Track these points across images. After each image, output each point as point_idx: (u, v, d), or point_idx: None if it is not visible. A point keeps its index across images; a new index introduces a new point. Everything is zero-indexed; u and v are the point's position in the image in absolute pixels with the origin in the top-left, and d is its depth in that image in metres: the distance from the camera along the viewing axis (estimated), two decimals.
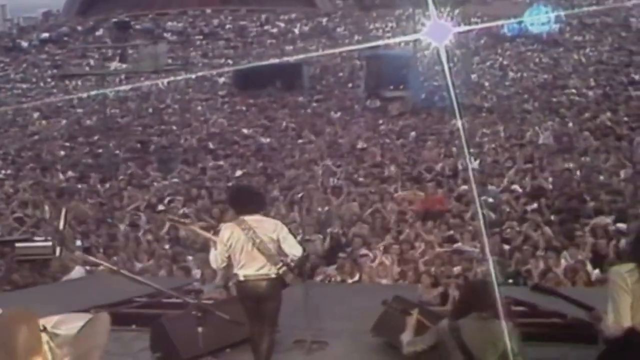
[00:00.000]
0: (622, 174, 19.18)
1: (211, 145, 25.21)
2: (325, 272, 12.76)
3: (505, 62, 38.86)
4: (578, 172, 19.59)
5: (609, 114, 27.96)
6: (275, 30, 43.71)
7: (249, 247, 7.62)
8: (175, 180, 20.49)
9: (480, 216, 15.52)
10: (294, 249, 7.75)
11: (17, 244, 12.18)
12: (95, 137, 27.50)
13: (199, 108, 32.37)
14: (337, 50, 35.49)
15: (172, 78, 29.11)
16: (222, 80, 35.27)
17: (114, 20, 26.15)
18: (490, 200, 16.92)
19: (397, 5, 44.61)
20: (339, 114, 29.57)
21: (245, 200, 7.96)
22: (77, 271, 12.67)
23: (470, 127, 26.40)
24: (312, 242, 13.93)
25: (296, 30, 43.35)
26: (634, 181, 18.37)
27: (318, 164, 21.69)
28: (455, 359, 4.94)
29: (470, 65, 36.40)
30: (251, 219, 7.72)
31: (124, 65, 22.43)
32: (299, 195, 17.64)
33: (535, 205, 16.27)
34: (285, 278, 7.67)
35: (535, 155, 21.71)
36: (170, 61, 30.10)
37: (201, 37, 40.47)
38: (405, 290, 9.76)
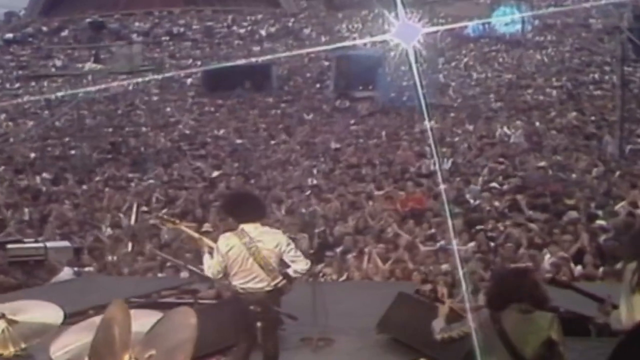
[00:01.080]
0: (594, 172, 19.60)
1: (184, 146, 25.21)
2: (314, 271, 12.90)
3: (470, 63, 39.26)
4: (550, 171, 20.00)
5: (574, 113, 28.48)
6: (242, 31, 43.71)
7: (249, 261, 7.26)
8: (152, 181, 20.48)
9: (448, 215, 15.82)
10: (298, 264, 7.43)
11: (9, 246, 12.26)
12: (66, 139, 27.33)
13: (168, 109, 32.29)
14: (306, 51, 35.63)
15: (139, 79, 28.87)
16: (190, 81, 35.23)
17: (88, 20, 26.00)
18: (472, 200, 17.19)
19: (363, 5, 44.89)
20: (309, 114, 29.70)
21: (245, 208, 7.55)
22: (66, 273, 12.66)
23: (441, 126, 26.75)
24: (297, 241, 14.05)
25: (263, 31, 43.42)
26: (607, 178, 18.80)
27: (294, 164, 21.85)
28: (496, 348, 5.07)
29: (436, 65, 36.73)
30: (252, 230, 7.35)
31: (99, 66, 22.31)
32: (280, 195, 17.72)
33: (513, 203, 16.52)
34: (284, 289, 7.36)
35: (507, 154, 22.10)
36: (146, 62, 30.03)
37: (168, 38, 40.39)
38: (405, 287, 9.92)
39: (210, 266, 7.42)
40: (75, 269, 12.82)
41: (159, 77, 32.54)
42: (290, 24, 44.53)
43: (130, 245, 13.38)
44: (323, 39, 41.18)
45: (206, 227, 15.03)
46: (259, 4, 46.62)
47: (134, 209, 14.06)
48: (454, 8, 46.49)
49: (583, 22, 45.75)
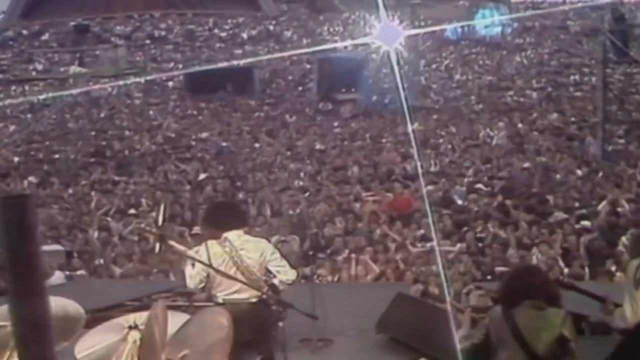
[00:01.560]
0: (579, 172, 19.84)
1: (169, 149, 25.21)
2: (304, 273, 12.98)
3: (450, 65, 39.50)
4: (534, 172, 20.20)
5: (555, 114, 28.75)
6: (223, 34, 43.74)
7: (232, 271, 6.93)
8: (139, 184, 20.48)
9: (430, 216, 15.96)
10: (283, 275, 7.16)
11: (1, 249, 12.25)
12: (47, 143, 27.25)
13: (151, 112, 32.26)
14: (289, 54, 35.66)
15: (121, 82, 28.85)
16: (172, 84, 35.21)
17: (73, 24, 25.90)
18: (460, 201, 17.35)
19: (344, 8, 45.09)
20: (292, 117, 29.78)
21: (227, 216, 7.31)
22: (57, 277, 12.63)
23: (424, 128, 26.92)
24: (287, 242, 14.15)
25: (244, 34, 43.47)
26: (591, 179, 19.03)
27: (279, 166, 21.93)
28: (509, 344, 5.18)
29: (417, 67, 36.95)
30: (235, 238, 7.10)
31: (84, 70, 22.28)
32: (267, 197, 17.78)
33: (500, 204, 16.68)
34: (270, 300, 7.01)
35: (491, 156, 22.29)
36: (130, 66, 30.00)
37: (149, 41, 40.31)
38: (404, 288, 10.02)
39: (191, 276, 7.08)
40: (67, 272, 12.80)
41: (141, 80, 32.46)
42: (271, 27, 44.62)
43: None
44: (304, 41, 41.35)
45: (196, 229, 15.10)
46: (240, 7, 46.66)
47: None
48: (434, 10, 46.81)
49: (561, 25, 46.23)
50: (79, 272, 13.23)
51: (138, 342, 4.18)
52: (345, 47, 34.87)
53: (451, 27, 41.13)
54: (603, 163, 21.11)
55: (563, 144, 23.72)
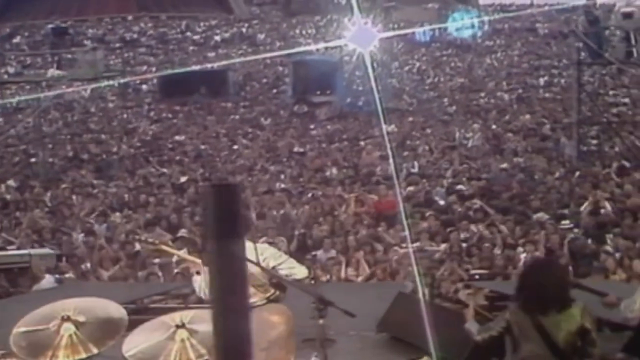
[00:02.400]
0: (557, 173, 20.14)
1: (146, 153, 25.18)
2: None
3: (422, 67, 39.79)
4: (512, 173, 20.47)
5: (528, 116, 29.08)
6: (196, 37, 43.68)
7: None
8: (120, 187, 20.46)
9: (404, 217, 16.13)
10: (294, 270, 7.18)
11: None
12: (22, 147, 27.08)
13: (125, 116, 32.17)
14: (264, 56, 35.71)
15: (95, 85, 28.74)
16: (146, 87, 35.10)
17: (51, 26, 25.74)
18: (441, 202, 17.55)
19: (319, 11, 45.23)
20: (268, 119, 29.86)
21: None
22: (48, 280, 12.62)
23: (400, 130, 27.15)
24: (275, 244, 14.21)
25: (217, 37, 43.43)
26: (568, 180, 19.32)
27: (259, 169, 22.01)
28: (531, 337, 5.33)
29: (390, 70, 37.16)
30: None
31: (62, 73, 22.19)
32: (250, 199, 17.83)
33: (483, 205, 16.90)
34: (280, 298, 6.77)
35: (469, 157, 22.56)
36: (110, 69, 29.90)
37: (121, 44, 40.18)
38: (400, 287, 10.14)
39: (200, 285, 6.99)
40: (57, 276, 12.79)
41: (120, 83, 32.34)
42: (244, 30, 44.64)
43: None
44: (278, 44, 41.42)
45: (182, 232, 15.15)
46: (212, 10, 46.59)
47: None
48: (404, 13, 47.07)
49: (530, 27, 46.69)
50: (67, 275, 13.21)
51: (186, 341, 4.22)
52: (318, 50, 34.96)
53: (425, 29, 41.42)
54: (579, 163, 21.44)
55: (538, 145, 23.99)
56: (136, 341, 4.51)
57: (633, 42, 19.78)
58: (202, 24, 45.55)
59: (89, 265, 13.94)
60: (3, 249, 12.61)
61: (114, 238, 15.50)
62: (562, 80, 36.91)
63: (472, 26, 40.12)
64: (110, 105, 33.41)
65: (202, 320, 4.31)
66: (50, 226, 16.66)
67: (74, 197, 19.39)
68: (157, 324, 4.62)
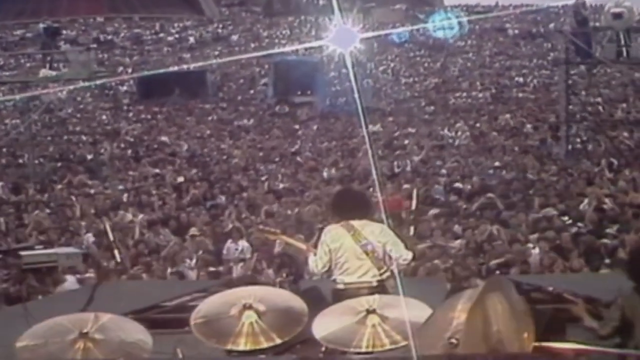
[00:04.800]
0: (549, 171, 20.48)
1: (133, 153, 25.12)
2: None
3: (397, 67, 40.13)
4: (504, 171, 20.78)
5: (507, 115, 29.50)
6: (170, 38, 43.58)
7: (355, 252, 7.16)
8: (114, 188, 20.40)
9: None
10: (403, 253, 7.31)
11: (23, 253, 12.14)
12: (4, 149, 26.82)
13: (104, 117, 31.96)
14: (246, 56, 35.80)
15: (71, 87, 28.49)
16: (124, 88, 34.93)
17: (42, 26, 25.56)
18: (442, 199, 17.78)
19: (297, 12, 45.39)
20: (252, 120, 29.92)
21: (353, 205, 7.49)
22: (71, 282, 12.53)
23: (385, 130, 27.40)
24: None
25: (192, 38, 43.37)
26: (562, 177, 19.68)
27: (253, 169, 22.08)
28: None
29: (366, 70, 37.41)
30: (357, 222, 7.27)
31: (54, 73, 22.07)
32: (255, 199, 17.93)
33: (486, 202, 17.13)
34: (387, 285, 7.21)
35: (458, 155, 22.84)
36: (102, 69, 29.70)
37: (95, 45, 39.86)
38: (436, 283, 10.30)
39: (314, 260, 7.35)
40: (77, 276, 12.73)
41: (91, 84, 32.06)
42: (219, 31, 44.64)
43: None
44: (252, 45, 41.48)
45: (192, 231, 15.19)
46: (183, 11, 46.54)
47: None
48: (374, 15, 47.39)
49: (500, 27, 47.30)
50: (87, 275, 13.15)
51: (378, 327, 4.24)
52: (297, 51, 35.08)
53: (402, 30, 41.79)
54: (568, 162, 21.81)
55: (524, 143, 24.36)
56: (327, 323, 4.49)
57: (623, 42, 20.19)
58: (176, 25, 45.47)
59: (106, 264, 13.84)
60: (29, 249, 12.53)
61: (126, 237, 15.42)
62: (535, 80, 37.61)
63: (452, 27, 40.45)
64: (89, 106, 33.19)
65: (391, 307, 4.37)
66: (54, 227, 16.54)
67: (72, 198, 19.26)
68: (346, 308, 4.57)
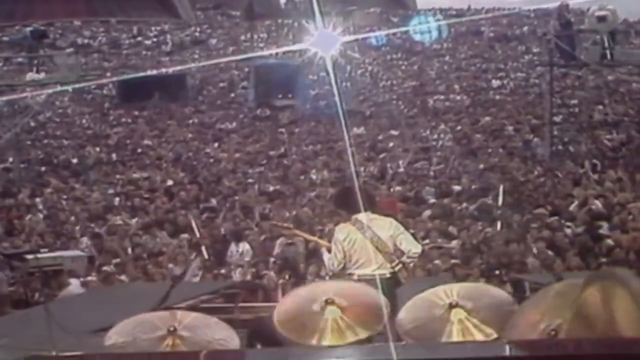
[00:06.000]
0: (535, 172, 20.76)
1: (119, 157, 25.06)
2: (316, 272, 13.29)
3: (374, 70, 40.30)
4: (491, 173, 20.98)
5: (487, 117, 29.76)
6: (148, 41, 43.45)
7: (367, 246, 7.54)
8: (104, 192, 20.36)
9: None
10: (413, 246, 7.73)
11: (28, 256, 12.13)
12: None
13: (84, 121, 31.85)
14: (227, 59, 35.86)
15: (50, 90, 28.35)
16: (103, 92, 34.78)
17: (30, 29, 25.33)
18: (433, 201, 17.95)
19: (278, 15, 45.48)
20: (234, 123, 29.94)
21: (355, 200, 7.75)
22: (75, 285, 12.51)
23: (368, 133, 27.55)
24: (294, 245, 14.39)
25: (170, 42, 43.27)
26: (549, 177, 19.95)
27: (241, 171, 22.12)
28: None
29: (344, 73, 37.53)
30: (365, 218, 7.64)
31: (41, 76, 21.94)
32: (248, 202, 17.97)
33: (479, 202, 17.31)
34: (400, 276, 7.64)
35: (444, 157, 23.05)
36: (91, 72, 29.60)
37: (73, 49, 39.61)
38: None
39: (330, 258, 7.85)
40: (81, 279, 12.73)
41: (66, 88, 31.88)
42: (197, 34, 44.61)
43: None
44: (231, 48, 41.48)
45: (190, 234, 15.20)
46: (160, 14, 46.41)
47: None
48: (354, 18, 47.55)
49: (475, 30, 47.63)
50: (89, 279, 13.14)
51: (465, 321, 4.27)
52: (277, 54, 35.13)
53: (381, 33, 42.00)
54: (552, 163, 22.09)
55: (508, 145, 24.61)
56: (411, 316, 4.51)
57: (607, 44, 20.51)
58: (153, 28, 45.35)
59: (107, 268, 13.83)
60: (36, 252, 12.51)
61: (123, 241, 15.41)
62: (512, 83, 37.98)
63: (430, 31, 40.73)
64: (68, 110, 33.05)
65: (473, 298, 4.40)
66: (49, 231, 16.48)
67: (63, 202, 19.21)
68: (427, 302, 4.56)
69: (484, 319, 4.23)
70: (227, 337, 4.38)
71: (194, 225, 12.43)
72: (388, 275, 7.58)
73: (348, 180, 20.18)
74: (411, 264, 7.97)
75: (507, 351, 3.30)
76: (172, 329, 4.30)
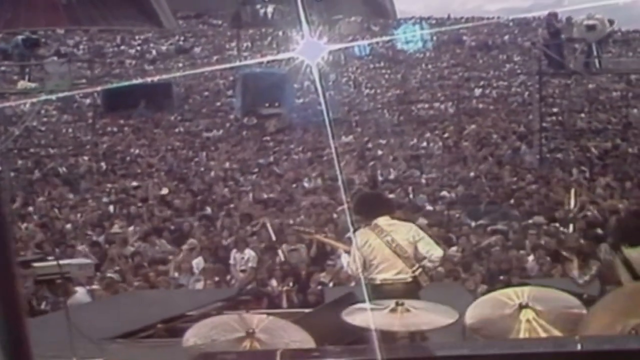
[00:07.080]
0: (527, 178, 20.95)
1: (109, 166, 25.01)
2: (319, 279, 13.37)
3: (358, 79, 40.48)
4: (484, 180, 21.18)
5: (473, 125, 29.98)
6: (132, 50, 43.37)
7: (386, 251, 7.59)
8: (98, 200, 20.33)
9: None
10: (433, 250, 7.74)
11: (36, 264, 12.10)
12: None
13: (70, 130, 31.74)
14: (213, 69, 35.86)
15: (34, 99, 28.25)
16: (88, 101, 34.62)
17: (22, 37, 25.17)
18: (429, 208, 18.09)
19: (265, 24, 45.59)
20: (220, 132, 29.97)
21: (375, 205, 8.01)
22: (81, 293, 12.47)
23: (357, 141, 27.67)
24: (297, 250, 14.47)
25: (154, 51, 43.22)
26: (541, 185, 20.14)
27: (234, 180, 22.15)
28: (620, 272, 6.53)
29: (328, 82, 37.66)
30: (385, 223, 7.73)
31: (33, 84, 21.88)
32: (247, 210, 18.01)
33: (473, 209, 17.49)
34: (420, 280, 7.65)
35: (434, 165, 23.21)
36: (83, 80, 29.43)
37: (56, 57, 39.38)
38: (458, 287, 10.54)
39: (348, 262, 7.99)
40: (87, 287, 12.72)
41: (50, 97, 31.76)
42: (181, 43, 44.60)
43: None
44: (215, 57, 41.49)
45: (190, 243, 15.23)
46: (143, 23, 46.35)
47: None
48: (339, 27, 47.78)
49: (456, 39, 47.97)
50: (95, 287, 13.12)
51: (533, 322, 4.37)
52: (262, 63, 35.20)
53: (365, 43, 42.18)
54: (542, 170, 22.31)
55: (496, 153, 24.81)
56: (479, 315, 4.57)
57: (595, 53, 20.80)
58: (137, 37, 45.27)
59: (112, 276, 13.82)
60: (43, 260, 12.47)
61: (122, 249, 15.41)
62: (494, 92, 38.30)
63: (415, 40, 40.98)
64: (53, 119, 32.93)
65: (543, 300, 4.49)
66: (47, 240, 16.44)
67: (55, 210, 19.15)
68: (494, 301, 4.64)
69: (552, 320, 4.33)
70: (302, 339, 4.46)
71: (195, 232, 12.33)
72: (409, 280, 7.63)
73: (343, 188, 20.32)
74: (433, 269, 8.04)
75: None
76: (250, 331, 4.38)
